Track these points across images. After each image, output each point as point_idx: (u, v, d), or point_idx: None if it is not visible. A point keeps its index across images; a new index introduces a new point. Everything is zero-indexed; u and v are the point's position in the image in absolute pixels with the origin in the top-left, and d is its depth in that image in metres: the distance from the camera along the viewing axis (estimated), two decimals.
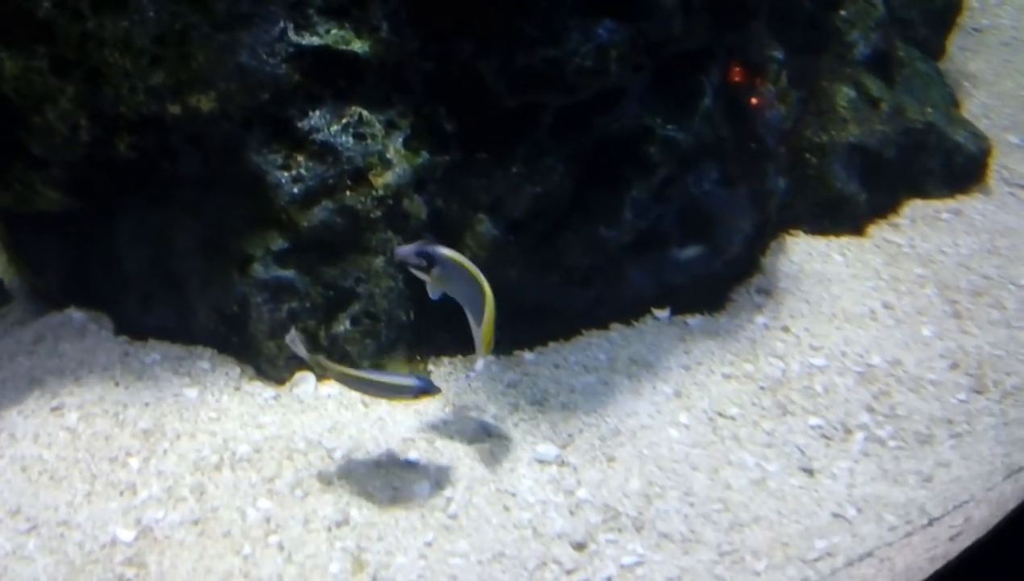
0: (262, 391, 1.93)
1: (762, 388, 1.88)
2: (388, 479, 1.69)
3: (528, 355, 2.06)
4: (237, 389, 1.93)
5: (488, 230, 2.03)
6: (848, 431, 1.79)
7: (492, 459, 1.74)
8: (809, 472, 1.71)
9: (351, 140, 1.94)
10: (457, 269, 1.69)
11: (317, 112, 1.94)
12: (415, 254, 1.70)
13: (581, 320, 2.12)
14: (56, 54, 1.86)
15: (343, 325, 1.97)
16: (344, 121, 1.95)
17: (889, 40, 2.76)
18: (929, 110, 2.73)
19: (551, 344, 2.08)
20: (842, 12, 2.68)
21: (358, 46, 1.94)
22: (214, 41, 1.86)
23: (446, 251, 1.69)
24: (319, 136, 1.92)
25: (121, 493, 1.63)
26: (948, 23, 3.11)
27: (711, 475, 1.70)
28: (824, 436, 1.77)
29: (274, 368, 1.98)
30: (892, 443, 1.78)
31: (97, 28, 1.83)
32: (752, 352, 2.00)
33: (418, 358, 2.03)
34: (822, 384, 1.89)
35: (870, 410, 1.84)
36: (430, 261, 1.69)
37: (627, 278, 2.13)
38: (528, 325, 2.10)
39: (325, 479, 1.68)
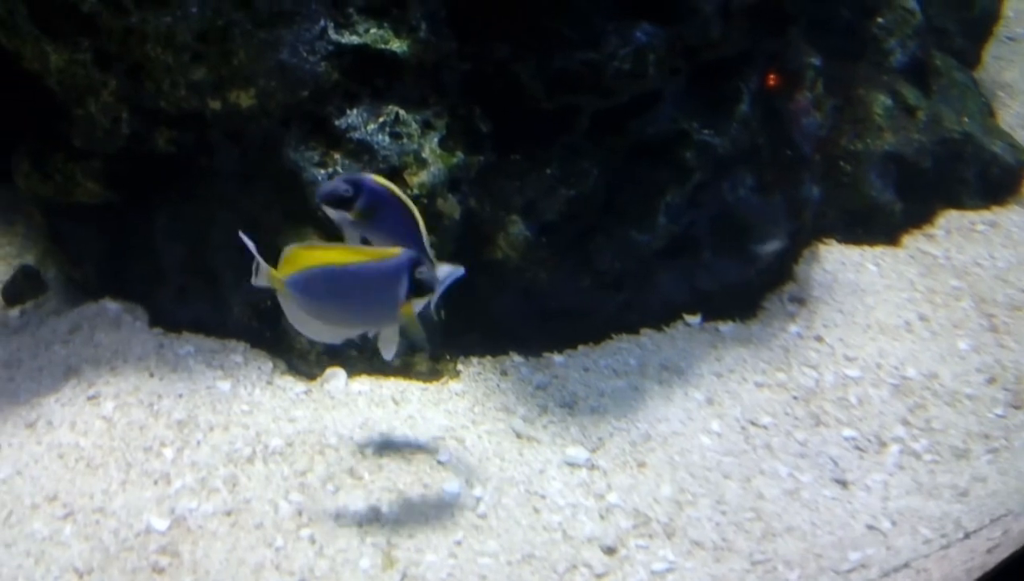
0: (293, 386, 1.94)
1: (795, 398, 1.87)
2: (418, 476, 1.70)
3: (557, 358, 2.06)
4: (269, 383, 1.94)
5: (520, 231, 2.03)
6: (883, 443, 1.78)
7: (521, 460, 1.74)
8: (843, 484, 1.70)
9: (387, 139, 1.95)
10: (386, 196, 1.55)
11: (354, 110, 1.95)
12: (342, 181, 1.56)
13: (611, 324, 2.12)
14: (100, 48, 1.89)
15: None
16: (381, 120, 1.96)
17: (926, 49, 2.74)
18: (966, 120, 2.70)
19: (580, 347, 2.08)
20: (880, 19, 2.66)
21: (397, 46, 1.95)
22: (255, 38, 1.87)
23: (375, 177, 1.57)
24: (356, 134, 1.93)
25: (155, 482, 1.65)
26: (985, 32, 3.08)
27: (743, 484, 1.69)
28: (858, 448, 1.76)
29: (305, 363, 1.99)
30: (928, 457, 1.76)
31: (140, 23, 1.86)
32: (785, 361, 1.98)
33: (447, 357, 2.04)
34: (856, 395, 1.87)
35: (905, 423, 1.82)
36: (356, 189, 1.55)
37: (658, 283, 2.13)
38: (558, 327, 2.10)
39: (356, 475, 1.69)
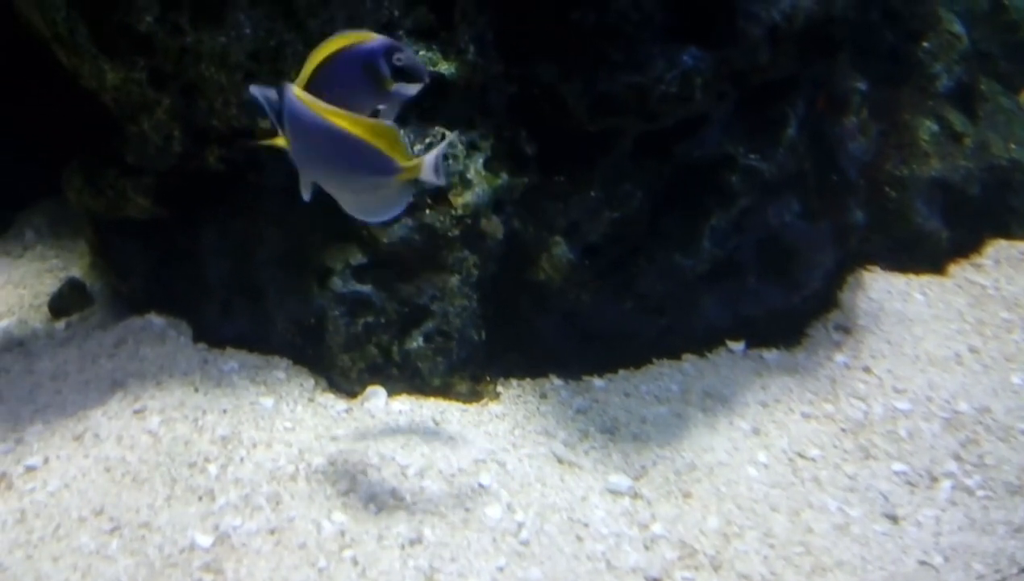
0: (335, 403, 1.95)
1: (843, 430, 1.83)
2: (460, 500, 1.68)
3: (597, 381, 2.04)
4: (311, 400, 1.95)
5: (564, 253, 2.02)
6: (934, 479, 1.74)
7: (563, 486, 1.73)
8: (893, 519, 1.66)
9: None
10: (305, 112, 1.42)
11: (402, 131, 1.96)
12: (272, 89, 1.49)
13: (653, 349, 2.10)
14: (155, 67, 1.92)
15: (416, 342, 1.98)
16: (427, 141, 1.97)
17: (972, 74, 2.70)
18: (1013, 147, 2.65)
19: (621, 371, 2.06)
20: (925, 44, 2.64)
21: (444, 68, 1.96)
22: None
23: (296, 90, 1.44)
24: None
25: (200, 498, 1.65)
26: None
27: (792, 517, 1.65)
28: (909, 483, 1.72)
29: (347, 381, 2.00)
30: (980, 492, 1.71)
31: (195, 43, 1.89)
32: (832, 392, 1.95)
33: (487, 378, 2.03)
34: (906, 429, 1.84)
35: (957, 458, 1.77)
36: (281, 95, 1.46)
37: (702, 308, 2.11)
38: (598, 351, 2.09)
39: (398, 496, 1.68)
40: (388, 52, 1.51)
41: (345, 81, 1.51)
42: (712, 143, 2.08)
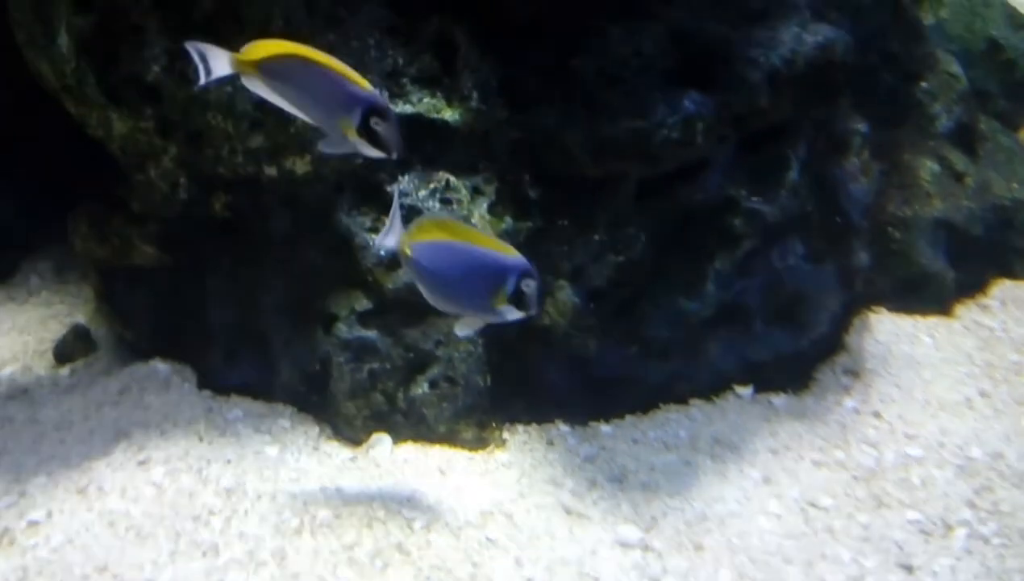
0: (339, 452, 1.93)
1: (855, 478, 1.81)
2: (467, 554, 1.66)
3: (605, 427, 2.03)
4: (316, 449, 1.93)
5: (569, 297, 2.02)
6: (949, 527, 1.71)
7: (572, 539, 1.70)
8: (908, 569, 1.63)
9: (438, 205, 1.97)
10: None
11: (406, 177, 1.98)
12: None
13: (659, 394, 2.08)
14: (162, 116, 1.94)
15: (421, 388, 1.97)
16: (432, 186, 1.98)
17: (972, 113, 2.72)
18: (1015, 186, 2.66)
19: (628, 417, 2.04)
20: (923, 85, 2.66)
21: (448, 114, 1.98)
22: None
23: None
24: (407, 200, 1.95)
25: (204, 554, 1.63)
26: None
27: (806, 569, 1.63)
28: (923, 532, 1.69)
29: (352, 429, 1.98)
30: (996, 540, 1.69)
31: (202, 92, 1.91)
32: (843, 438, 1.93)
33: (493, 425, 2.02)
34: (919, 476, 1.81)
35: (972, 505, 1.75)
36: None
37: (708, 352, 2.10)
38: (605, 396, 2.07)
39: (404, 550, 1.66)
40: (370, 111, 1.48)
41: (319, 96, 1.49)
42: (714, 186, 2.09)
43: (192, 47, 1.48)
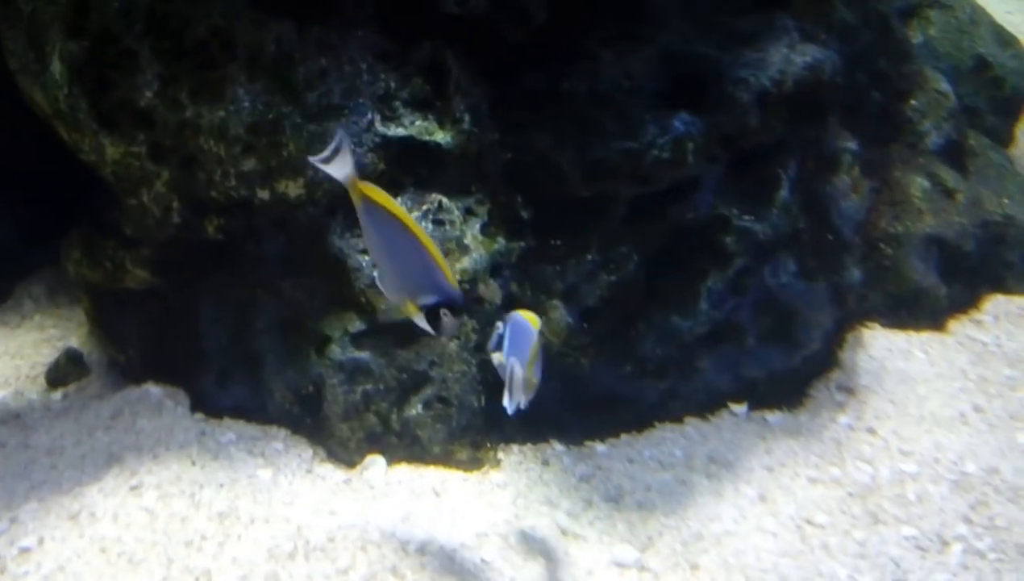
0: (333, 474, 1.92)
1: (851, 494, 1.81)
2: (462, 577, 1.65)
3: (600, 447, 2.02)
4: (309, 471, 1.92)
5: (562, 317, 2.03)
6: (945, 543, 1.71)
7: (568, 560, 1.69)
8: None
9: (430, 226, 1.97)
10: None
11: (399, 199, 1.99)
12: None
13: (654, 412, 2.08)
14: (154, 140, 1.95)
15: (415, 408, 1.97)
16: (425, 208, 1.99)
17: (961, 130, 2.75)
18: (1006, 201, 2.68)
19: (623, 436, 2.04)
20: (913, 102, 2.69)
21: (440, 137, 1.99)
22: (305, 131, 1.92)
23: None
24: None
25: (197, 579, 1.62)
26: (1016, 110, 3.09)
27: None
28: (919, 548, 1.69)
29: (345, 450, 1.97)
30: (992, 555, 1.68)
31: (195, 117, 1.92)
32: (838, 455, 1.93)
33: (488, 445, 2.01)
34: (915, 492, 1.81)
35: (967, 521, 1.75)
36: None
37: (702, 370, 2.10)
38: (599, 415, 2.07)
39: (399, 574, 1.65)
40: (446, 304, 1.46)
41: (405, 269, 1.48)
42: (705, 205, 2.10)
43: (340, 136, 1.45)
